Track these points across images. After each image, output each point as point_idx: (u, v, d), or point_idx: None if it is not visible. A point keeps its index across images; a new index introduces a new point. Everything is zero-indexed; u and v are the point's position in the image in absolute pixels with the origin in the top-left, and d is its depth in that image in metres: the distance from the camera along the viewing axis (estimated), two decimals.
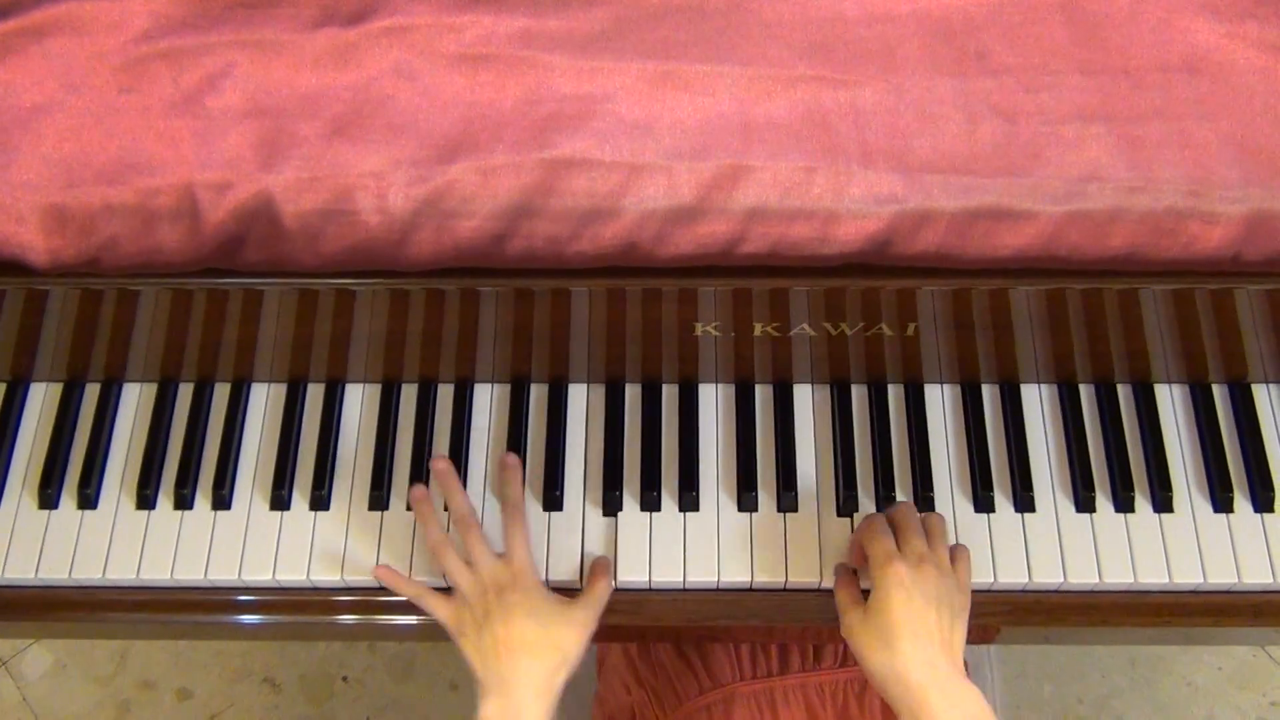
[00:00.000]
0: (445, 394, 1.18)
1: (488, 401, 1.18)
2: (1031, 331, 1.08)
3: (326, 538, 1.12)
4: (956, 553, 1.05)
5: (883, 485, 1.13)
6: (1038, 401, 1.17)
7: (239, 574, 1.11)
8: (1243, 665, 2.02)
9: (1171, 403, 1.17)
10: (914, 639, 0.94)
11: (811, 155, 0.93)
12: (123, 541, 1.12)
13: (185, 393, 1.18)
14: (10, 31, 0.98)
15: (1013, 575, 1.10)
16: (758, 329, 1.06)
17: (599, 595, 1.07)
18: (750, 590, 1.11)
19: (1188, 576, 1.10)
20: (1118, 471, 1.13)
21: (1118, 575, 1.09)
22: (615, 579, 1.10)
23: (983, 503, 1.12)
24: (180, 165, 0.93)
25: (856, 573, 1.06)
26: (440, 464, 1.10)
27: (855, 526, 1.11)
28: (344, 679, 2.02)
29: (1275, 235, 0.92)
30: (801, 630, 1.14)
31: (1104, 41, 0.98)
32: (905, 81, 0.96)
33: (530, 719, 0.97)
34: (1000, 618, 1.12)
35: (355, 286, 0.99)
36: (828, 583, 1.09)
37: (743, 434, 1.16)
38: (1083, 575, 1.10)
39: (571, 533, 1.12)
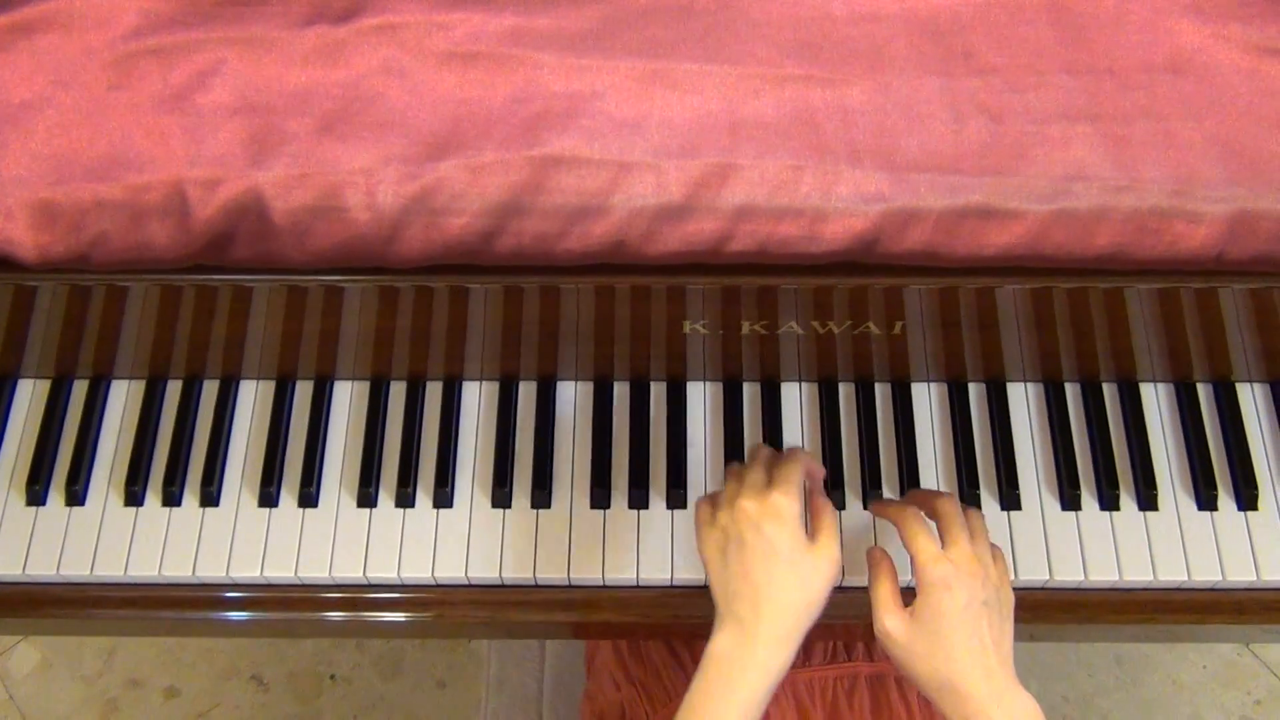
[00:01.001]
0: (434, 391, 1.18)
1: (476, 399, 1.18)
2: (1018, 330, 1.09)
3: (315, 535, 1.12)
4: (994, 551, 0.98)
5: (869, 483, 1.14)
6: (1024, 400, 1.18)
7: (227, 571, 1.11)
8: (1228, 664, 2.03)
9: (1156, 401, 1.18)
10: (969, 648, 0.90)
11: (799, 154, 0.93)
12: (110, 538, 1.12)
13: (173, 390, 1.18)
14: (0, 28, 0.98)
15: None
16: (746, 327, 1.07)
17: (831, 525, 0.95)
18: None
19: (1172, 574, 1.10)
20: (1103, 469, 1.14)
21: (1103, 573, 1.10)
22: (603, 577, 1.11)
23: (969, 501, 1.13)
24: (170, 162, 0.93)
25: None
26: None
27: (841, 524, 1.11)
28: (332, 677, 2.02)
29: (1259, 234, 0.93)
30: None
31: (1090, 42, 0.99)
32: (892, 81, 0.97)
33: (767, 670, 0.90)
34: None
35: (344, 283, 0.99)
36: (844, 581, 1.09)
37: (730, 432, 1.16)
38: (1068, 573, 1.10)
39: (560, 530, 1.13)
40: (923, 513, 0.97)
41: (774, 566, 0.92)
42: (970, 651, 0.90)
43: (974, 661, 0.90)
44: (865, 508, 1.13)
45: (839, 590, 0.98)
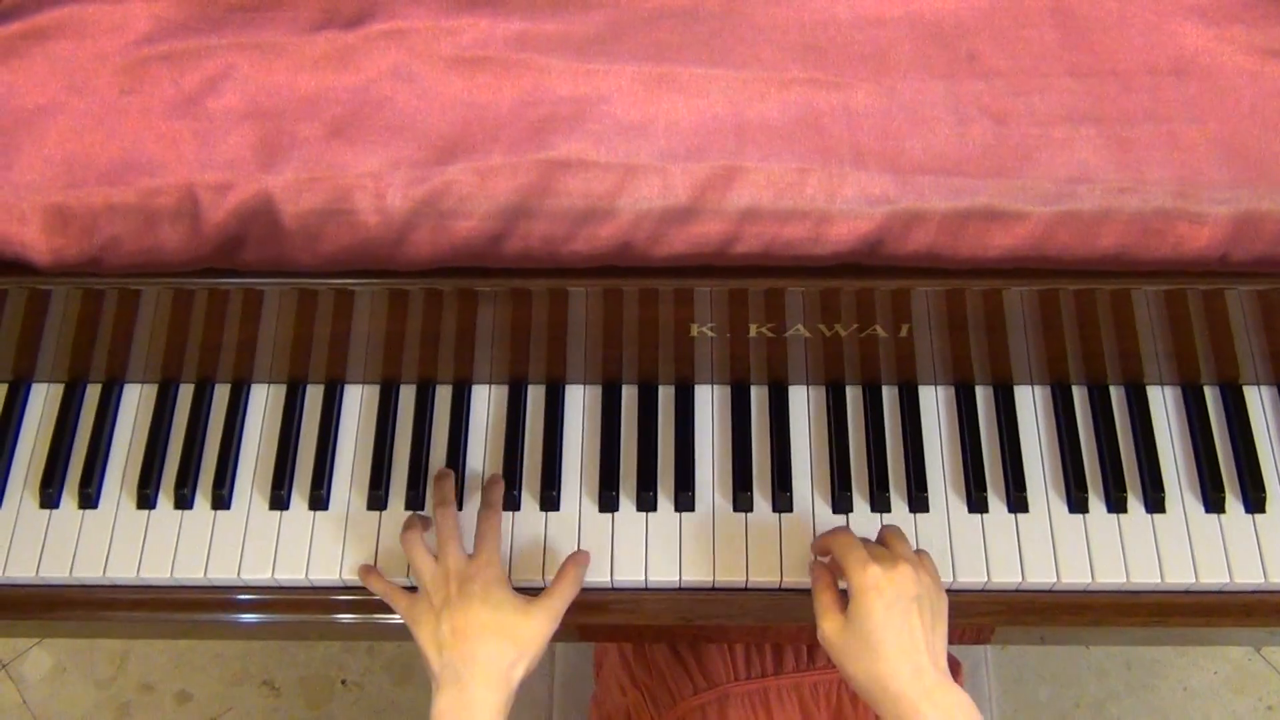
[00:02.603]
0: (443, 395, 1.19)
1: (485, 402, 1.19)
2: (1024, 332, 1.09)
3: (325, 537, 1.13)
4: (923, 556, 1.03)
5: (877, 486, 1.14)
6: (1031, 403, 1.18)
7: (238, 573, 1.12)
8: (1239, 670, 2.02)
9: (1164, 404, 1.18)
10: (899, 646, 0.92)
11: (804, 156, 0.94)
12: (123, 541, 1.13)
13: (185, 393, 1.19)
14: (13, 34, 0.99)
15: (1006, 575, 1.10)
16: (753, 330, 1.07)
17: (565, 590, 1.05)
18: (745, 590, 1.12)
19: (1180, 576, 1.10)
20: (1110, 472, 1.14)
21: (1110, 575, 1.10)
22: (611, 579, 1.11)
23: (976, 503, 1.13)
24: (181, 166, 0.94)
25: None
26: (442, 471, 1.12)
27: (850, 526, 1.12)
28: (343, 682, 2.02)
29: (1263, 236, 0.93)
30: (796, 630, 1.15)
31: (1093, 44, 0.99)
32: (897, 84, 0.97)
33: (485, 710, 0.96)
34: (994, 618, 1.12)
35: (354, 286, 1.00)
36: None
37: (738, 435, 1.16)
38: (1076, 575, 1.10)
39: (568, 533, 1.13)
40: (848, 530, 1.03)
41: (487, 622, 0.99)
42: (900, 649, 0.92)
43: (904, 659, 0.92)
44: (873, 510, 1.13)
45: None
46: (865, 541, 0.99)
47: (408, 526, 1.07)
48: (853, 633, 0.94)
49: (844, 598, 0.98)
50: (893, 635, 0.93)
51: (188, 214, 0.94)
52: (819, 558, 1.06)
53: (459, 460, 1.16)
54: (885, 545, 1.01)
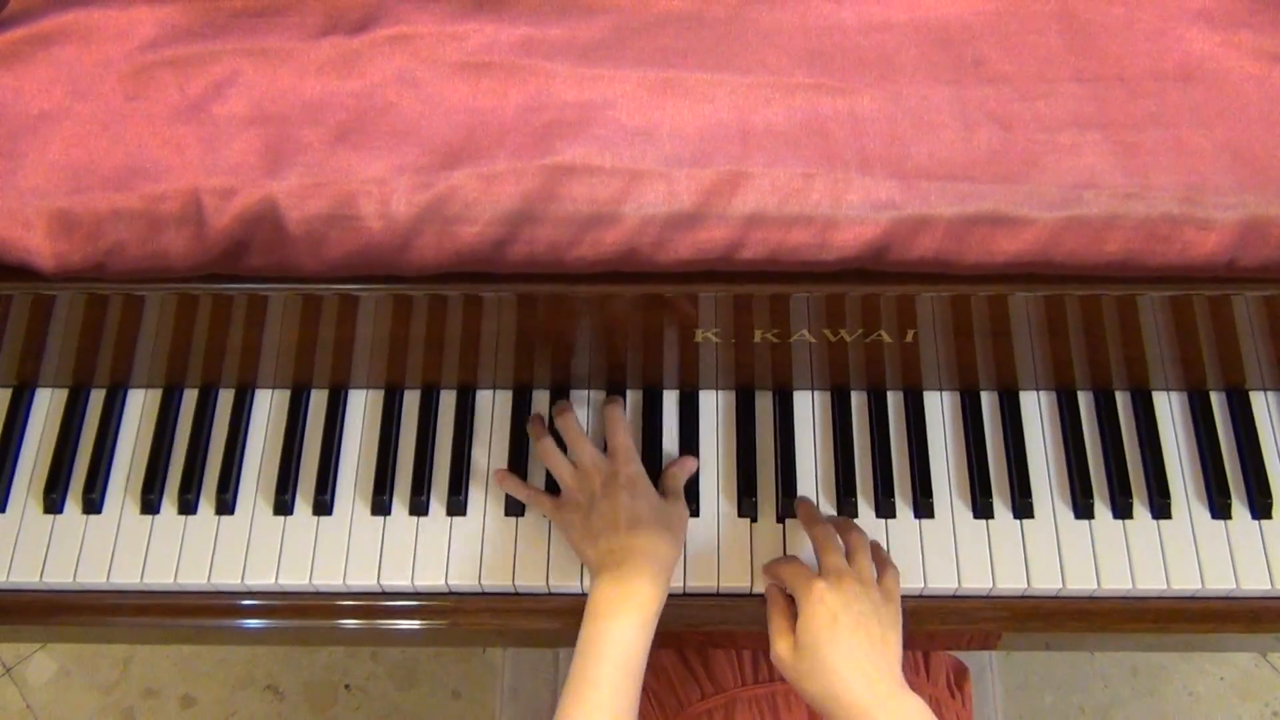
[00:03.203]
0: (447, 400, 1.19)
1: (490, 407, 1.19)
2: (1030, 338, 1.09)
3: (329, 543, 1.13)
4: (882, 564, 1.04)
5: (882, 491, 1.14)
6: (1036, 409, 1.18)
7: (242, 578, 1.12)
8: (1245, 675, 2.02)
9: (1170, 410, 1.18)
10: (847, 658, 0.93)
11: (810, 162, 0.93)
12: (127, 546, 1.13)
13: (190, 398, 1.19)
14: (18, 39, 0.99)
15: (1011, 581, 1.10)
16: (758, 335, 1.07)
17: (682, 481, 1.12)
18: (751, 595, 1.12)
19: (1186, 583, 1.10)
20: (1116, 478, 1.14)
21: (1116, 581, 1.10)
22: None
23: (982, 509, 1.13)
24: (186, 171, 0.94)
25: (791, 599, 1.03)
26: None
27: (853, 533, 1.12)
28: (346, 687, 2.02)
29: (1270, 241, 0.93)
30: None
31: (1100, 49, 0.99)
32: (903, 89, 0.97)
33: (646, 601, 0.98)
34: (1000, 624, 1.12)
35: (358, 291, 1.00)
36: None
37: (743, 440, 1.16)
38: (1081, 581, 1.10)
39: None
40: (794, 556, 1.07)
41: (636, 512, 1.03)
42: (850, 661, 0.94)
43: (854, 671, 0.93)
44: (878, 516, 1.13)
45: None
46: (834, 549, 1.03)
47: (539, 435, 1.12)
48: (802, 650, 0.96)
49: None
50: (841, 648, 0.94)
51: (192, 219, 0.94)
52: (772, 582, 1.07)
53: (463, 465, 1.15)
54: (848, 548, 1.04)
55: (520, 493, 1.12)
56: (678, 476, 1.12)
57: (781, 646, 0.98)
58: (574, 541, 1.06)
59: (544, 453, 1.12)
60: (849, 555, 1.03)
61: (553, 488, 1.14)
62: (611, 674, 0.95)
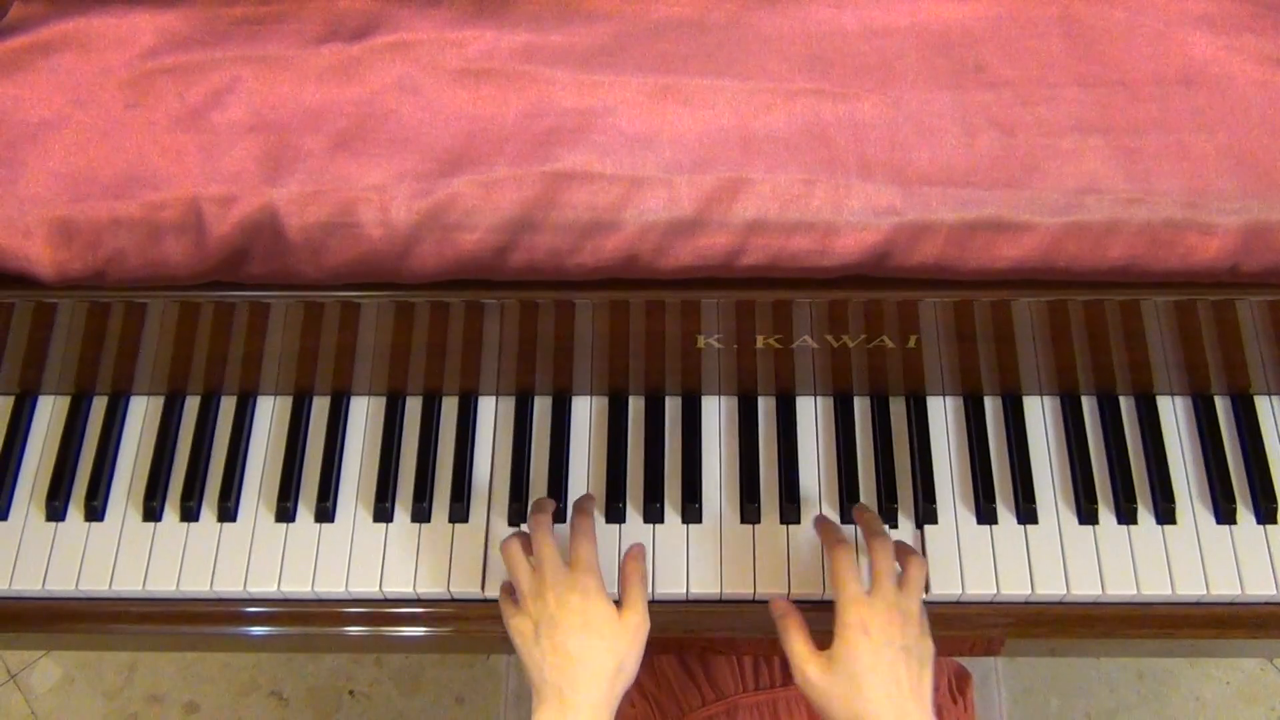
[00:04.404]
0: (449, 407, 1.19)
1: (491, 414, 1.19)
2: (1033, 343, 1.08)
3: (331, 550, 1.13)
4: (905, 588, 1.01)
5: (885, 497, 1.13)
6: (1040, 414, 1.18)
7: (244, 585, 1.11)
8: (1250, 680, 2.01)
9: (1174, 414, 1.17)
10: (884, 689, 0.92)
11: (811, 168, 0.93)
12: (129, 553, 1.13)
13: (191, 406, 1.19)
14: (18, 48, 0.99)
15: (1016, 587, 1.10)
16: (760, 341, 1.07)
17: (640, 591, 1.02)
18: (753, 601, 1.11)
19: (1190, 588, 1.10)
20: (1120, 483, 1.13)
21: (1120, 587, 1.10)
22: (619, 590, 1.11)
23: (985, 515, 1.13)
24: (185, 179, 0.94)
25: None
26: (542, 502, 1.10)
27: (858, 538, 1.11)
28: (351, 692, 2.02)
29: (1273, 246, 0.93)
30: None
31: (1101, 54, 0.99)
32: (904, 95, 0.97)
33: None
34: (1004, 629, 1.12)
35: (359, 299, 1.00)
36: (830, 594, 1.09)
37: (745, 446, 1.16)
38: (1085, 587, 1.10)
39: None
40: (853, 556, 1.01)
41: (587, 637, 0.96)
42: (886, 693, 0.92)
43: (888, 702, 0.92)
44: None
45: None
46: (889, 574, 0.99)
47: (506, 538, 1.04)
48: (838, 672, 0.94)
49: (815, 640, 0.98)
50: (879, 677, 0.93)
51: (192, 227, 0.94)
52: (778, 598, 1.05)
53: (465, 472, 1.15)
54: (904, 582, 0.99)
55: (501, 598, 1.05)
56: (631, 579, 1.02)
57: (813, 670, 0.95)
58: (520, 653, 0.99)
59: (508, 555, 1.03)
60: (902, 585, 0.99)
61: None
62: None
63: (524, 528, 1.13)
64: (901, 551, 1.04)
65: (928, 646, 0.97)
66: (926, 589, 1.10)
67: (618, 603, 1.00)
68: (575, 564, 1.00)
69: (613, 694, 0.96)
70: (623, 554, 1.09)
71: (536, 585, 1.00)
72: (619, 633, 0.98)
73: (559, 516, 1.13)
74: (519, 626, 0.99)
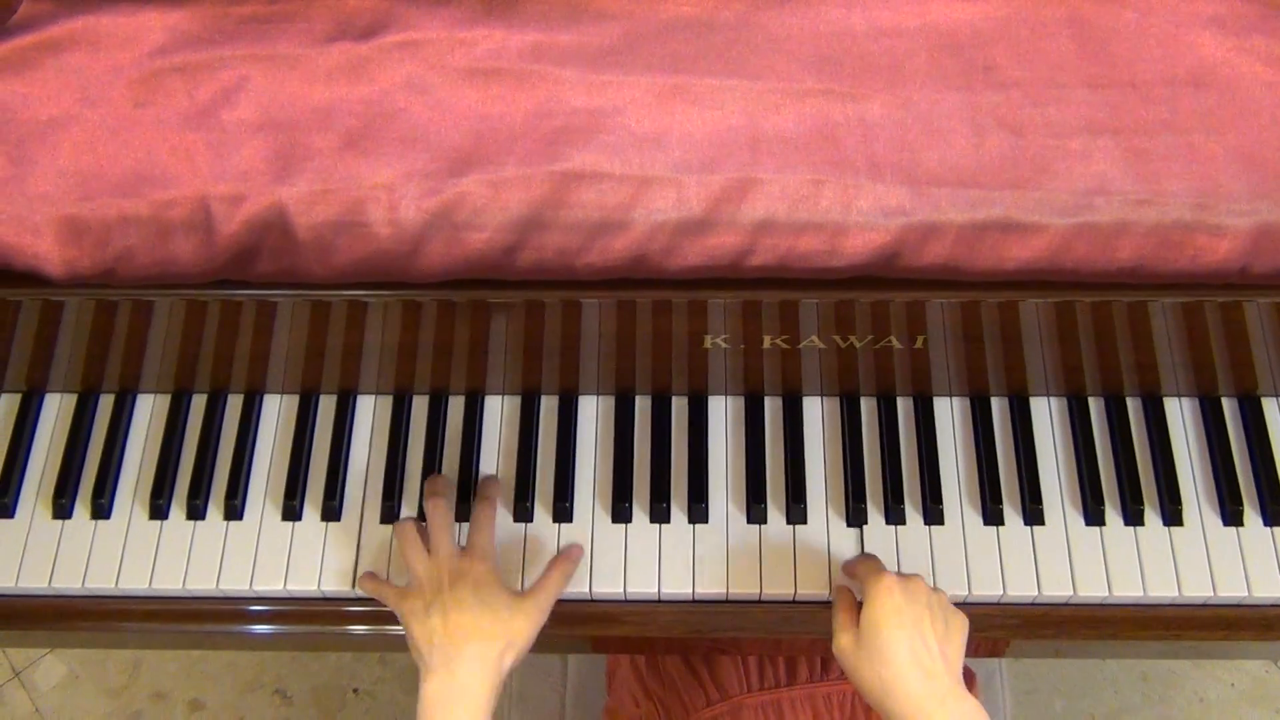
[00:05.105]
0: (456, 406, 1.19)
1: (498, 413, 1.19)
2: (1040, 344, 1.08)
3: (338, 548, 1.13)
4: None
5: (892, 498, 1.13)
6: (1047, 415, 1.18)
7: (250, 584, 1.12)
8: (1256, 682, 2.01)
9: (1181, 416, 1.17)
10: (910, 650, 0.93)
11: (820, 168, 0.93)
12: (135, 551, 1.13)
13: (198, 404, 1.19)
14: (27, 46, 0.99)
15: (1022, 588, 1.10)
16: (767, 341, 1.07)
17: (552, 586, 1.07)
18: (759, 602, 1.11)
19: (1197, 590, 1.09)
20: (1127, 485, 1.13)
21: (1127, 588, 1.09)
22: (625, 590, 1.11)
23: (992, 516, 1.12)
24: (194, 178, 0.94)
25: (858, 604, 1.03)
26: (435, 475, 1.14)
27: (864, 539, 1.11)
28: (355, 691, 2.02)
29: None
30: (809, 642, 1.14)
31: (1111, 55, 0.99)
32: (913, 95, 0.97)
33: (473, 695, 0.97)
34: (1010, 630, 1.12)
35: (367, 298, 1.00)
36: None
37: (752, 446, 1.16)
38: (1092, 588, 1.10)
39: (581, 544, 1.13)
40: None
41: (478, 612, 1.00)
42: (911, 654, 0.93)
43: (913, 663, 0.93)
44: (888, 522, 1.13)
45: None
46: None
47: (402, 521, 1.09)
48: (865, 640, 0.95)
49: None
50: (904, 640, 0.93)
51: (201, 226, 0.94)
52: (843, 584, 1.08)
53: (472, 471, 1.15)
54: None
55: (369, 588, 1.09)
56: (550, 573, 1.07)
57: (845, 638, 0.97)
58: (410, 634, 1.02)
59: (401, 538, 1.07)
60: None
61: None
62: None
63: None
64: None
65: (957, 614, 0.99)
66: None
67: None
68: (471, 550, 1.05)
69: (500, 666, 0.99)
70: (627, 556, 1.10)
71: (431, 568, 1.04)
72: (513, 612, 1.02)
73: (561, 515, 1.13)
74: (410, 607, 1.02)
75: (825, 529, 1.13)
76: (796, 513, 1.13)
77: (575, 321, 1.05)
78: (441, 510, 1.08)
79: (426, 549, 1.06)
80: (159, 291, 1.00)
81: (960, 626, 0.98)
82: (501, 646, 0.99)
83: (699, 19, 1.01)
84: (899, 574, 0.98)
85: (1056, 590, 1.10)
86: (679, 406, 1.18)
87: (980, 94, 0.97)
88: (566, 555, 1.10)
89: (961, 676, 0.95)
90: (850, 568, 1.07)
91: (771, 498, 1.14)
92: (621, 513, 1.13)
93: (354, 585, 1.11)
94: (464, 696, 0.96)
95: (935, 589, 0.99)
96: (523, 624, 1.02)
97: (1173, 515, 1.12)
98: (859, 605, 1.00)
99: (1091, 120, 0.95)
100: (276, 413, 1.19)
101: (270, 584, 1.12)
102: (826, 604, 1.10)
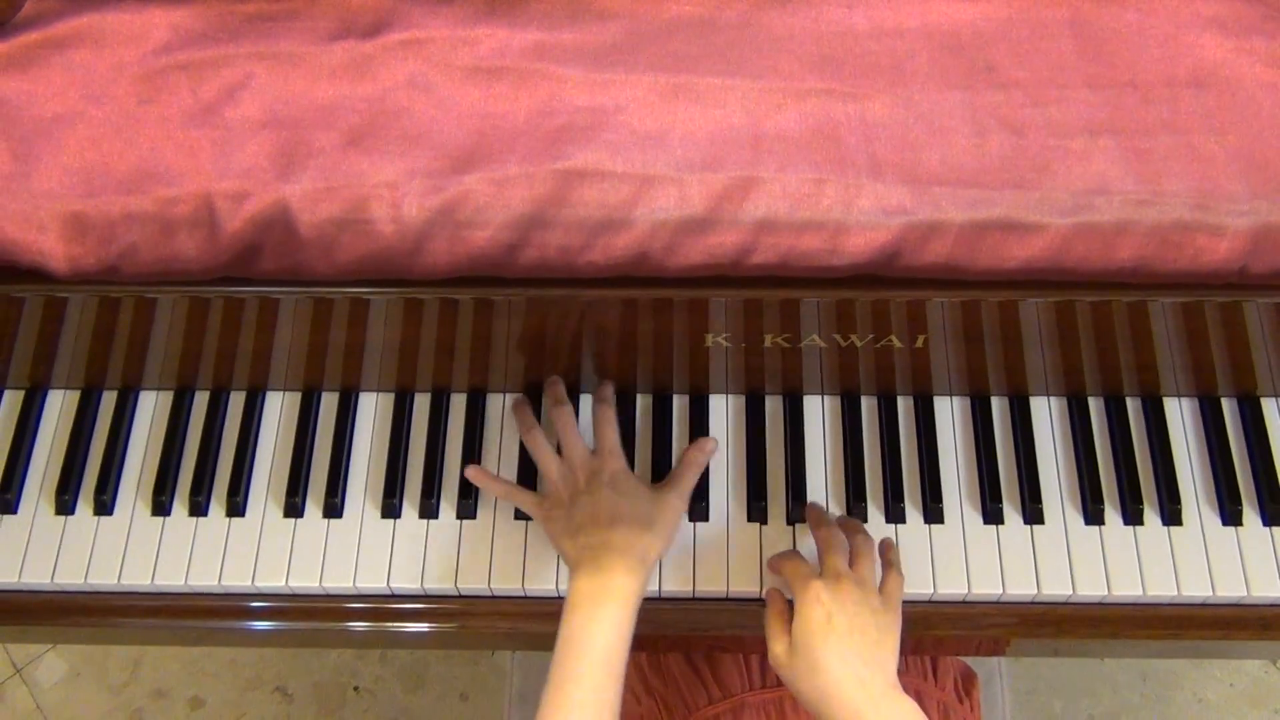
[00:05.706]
0: (458, 403, 1.19)
1: (500, 410, 1.19)
2: (1041, 344, 1.09)
3: (339, 545, 1.13)
4: (887, 567, 1.05)
5: (892, 497, 1.13)
6: (1047, 415, 1.18)
7: (252, 580, 1.12)
8: (1255, 682, 2.01)
9: (1180, 416, 1.18)
10: (841, 659, 0.94)
11: (821, 167, 0.93)
12: (138, 548, 1.13)
13: (201, 400, 1.20)
14: (32, 43, 0.99)
15: (1021, 587, 1.10)
16: (768, 340, 1.07)
17: (691, 472, 1.11)
18: (760, 600, 1.11)
19: (1196, 589, 1.10)
20: (1126, 484, 1.13)
21: (1126, 587, 1.10)
22: None
23: (992, 515, 1.13)
24: (198, 175, 0.94)
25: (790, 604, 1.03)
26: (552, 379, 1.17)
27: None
28: (355, 688, 2.02)
29: None
30: None
31: (1112, 56, 0.99)
32: (914, 94, 0.97)
33: (623, 593, 0.98)
34: (1009, 629, 1.12)
35: (370, 295, 1.00)
36: None
37: (753, 445, 1.16)
38: (1091, 587, 1.10)
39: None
40: (795, 551, 1.08)
41: (618, 500, 1.05)
42: (843, 661, 0.94)
43: (846, 671, 0.94)
44: (888, 521, 1.13)
45: None
46: (838, 551, 1.03)
47: (528, 426, 1.13)
48: (798, 650, 0.96)
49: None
50: (834, 648, 0.95)
51: (205, 223, 0.94)
52: (774, 587, 1.08)
53: None
54: (851, 552, 1.04)
55: (495, 488, 1.12)
56: (687, 464, 1.12)
57: (778, 648, 0.99)
58: (554, 536, 1.06)
59: (532, 444, 1.12)
60: (852, 559, 1.03)
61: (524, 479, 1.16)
62: (592, 670, 0.95)
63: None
64: (846, 527, 1.08)
65: (889, 615, 0.99)
66: (933, 587, 1.10)
67: None
68: (601, 449, 1.11)
69: (645, 558, 1.02)
70: None
71: (566, 470, 1.10)
72: (652, 504, 1.06)
73: None
74: (549, 511, 1.08)
75: None
76: (797, 511, 1.13)
77: (576, 320, 1.05)
78: (566, 414, 1.13)
79: (557, 453, 1.12)
80: (162, 288, 1.00)
81: (891, 626, 0.99)
82: (648, 540, 1.02)
83: (701, 18, 1.02)
84: (824, 578, 0.99)
85: (1056, 589, 1.10)
86: (680, 404, 1.19)
87: (981, 94, 0.97)
88: (699, 446, 1.14)
89: (895, 677, 0.96)
90: (775, 565, 1.07)
91: (771, 496, 1.14)
92: None
93: (354, 583, 1.11)
94: (612, 593, 0.98)
95: (863, 584, 1.00)
96: (665, 513, 1.06)
97: (1172, 515, 1.12)
98: (790, 607, 1.01)
99: (1092, 120, 0.96)
100: (279, 410, 1.19)
101: (272, 580, 1.12)
102: None
